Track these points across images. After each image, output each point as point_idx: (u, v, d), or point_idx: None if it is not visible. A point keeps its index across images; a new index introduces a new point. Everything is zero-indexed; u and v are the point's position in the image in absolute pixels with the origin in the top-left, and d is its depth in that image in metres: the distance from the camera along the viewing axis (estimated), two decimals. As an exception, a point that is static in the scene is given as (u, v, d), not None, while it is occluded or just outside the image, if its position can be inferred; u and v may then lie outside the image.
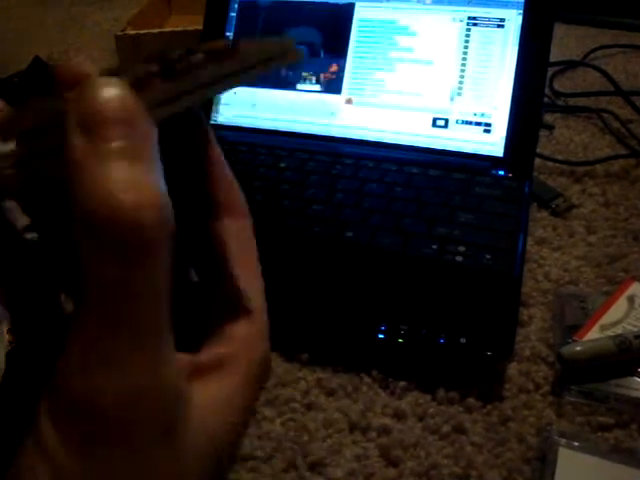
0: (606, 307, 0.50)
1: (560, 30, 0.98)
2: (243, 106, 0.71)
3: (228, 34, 0.72)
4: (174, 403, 0.19)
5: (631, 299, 0.50)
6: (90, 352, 0.17)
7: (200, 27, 0.74)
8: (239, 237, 0.23)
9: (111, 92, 0.17)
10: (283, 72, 0.69)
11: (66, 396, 0.17)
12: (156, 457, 0.18)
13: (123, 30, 0.95)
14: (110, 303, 0.17)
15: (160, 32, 0.95)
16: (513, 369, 0.47)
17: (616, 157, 0.71)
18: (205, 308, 0.22)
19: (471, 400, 0.44)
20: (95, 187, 0.16)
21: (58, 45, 1.09)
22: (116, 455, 0.18)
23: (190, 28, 0.91)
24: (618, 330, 0.47)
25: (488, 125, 0.62)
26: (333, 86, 0.68)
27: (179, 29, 0.94)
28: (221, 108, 0.72)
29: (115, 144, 0.16)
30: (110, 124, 0.17)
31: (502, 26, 0.63)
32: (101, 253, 0.16)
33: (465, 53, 0.64)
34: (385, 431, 0.43)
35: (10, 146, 0.18)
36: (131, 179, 0.16)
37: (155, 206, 0.16)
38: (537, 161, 0.66)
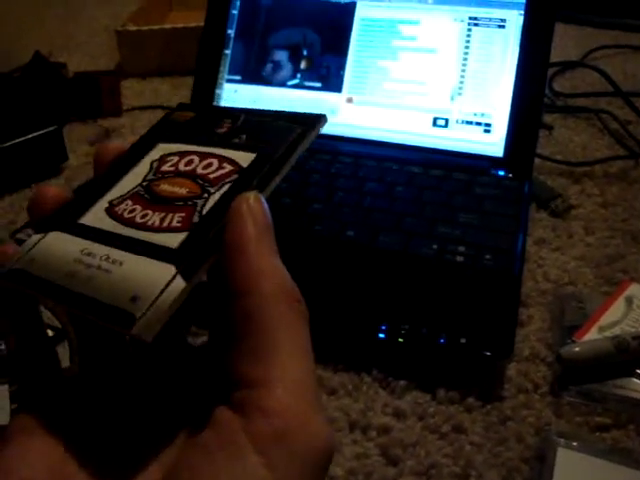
0: (604, 308, 0.50)
1: (559, 30, 0.98)
2: (244, 104, 0.71)
3: (229, 31, 0.72)
4: None
5: (629, 300, 0.51)
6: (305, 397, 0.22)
7: (201, 23, 0.74)
8: None
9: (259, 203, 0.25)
10: (284, 71, 0.70)
11: (279, 429, 0.20)
12: None
13: (123, 26, 0.95)
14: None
15: (161, 28, 0.95)
16: (512, 369, 0.47)
17: (615, 158, 0.71)
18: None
19: (471, 400, 0.44)
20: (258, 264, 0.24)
21: (58, 40, 1.08)
22: None
23: (191, 25, 0.91)
24: (616, 331, 0.48)
25: (488, 125, 0.63)
26: (334, 85, 0.68)
27: (180, 26, 0.94)
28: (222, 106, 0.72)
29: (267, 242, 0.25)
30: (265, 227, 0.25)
31: (503, 26, 0.63)
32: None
33: (466, 53, 0.64)
34: (385, 430, 0.43)
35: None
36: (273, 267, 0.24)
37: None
38: (536, 161, 0.66)
